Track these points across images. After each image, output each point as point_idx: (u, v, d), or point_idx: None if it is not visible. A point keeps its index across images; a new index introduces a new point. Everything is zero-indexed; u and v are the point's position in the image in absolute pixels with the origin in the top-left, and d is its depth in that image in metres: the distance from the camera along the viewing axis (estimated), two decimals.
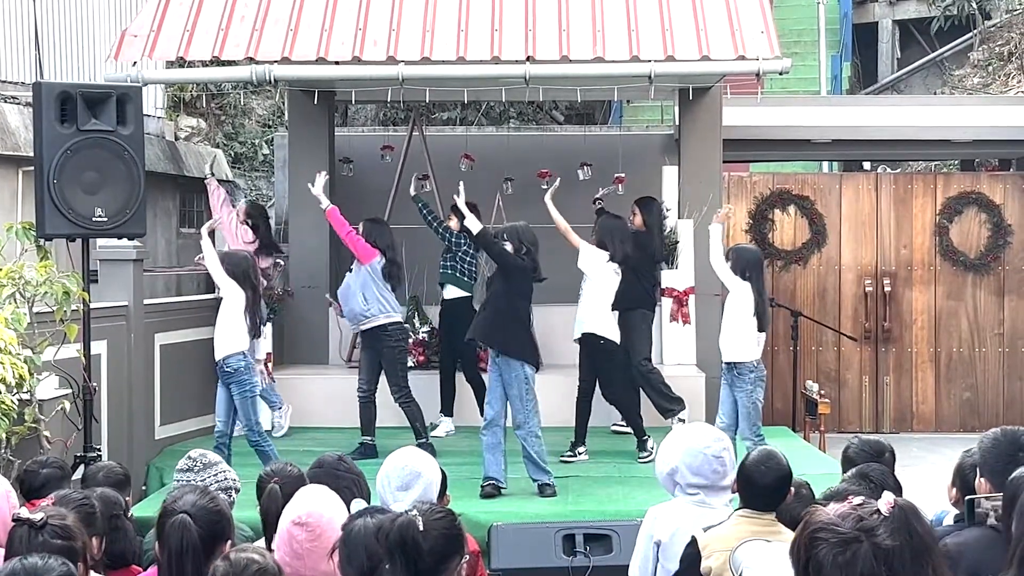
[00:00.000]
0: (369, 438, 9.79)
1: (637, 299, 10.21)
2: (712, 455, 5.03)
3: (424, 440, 9.47)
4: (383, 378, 9.94)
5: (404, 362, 10.02)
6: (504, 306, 8.67)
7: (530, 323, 8.97)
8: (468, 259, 10.72)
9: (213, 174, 11.51)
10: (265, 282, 10.50)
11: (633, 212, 10.55)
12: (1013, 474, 3.62)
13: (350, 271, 10.03)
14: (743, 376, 8.86)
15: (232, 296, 8.88)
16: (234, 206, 11.34)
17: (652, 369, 10.31)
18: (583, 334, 9.63)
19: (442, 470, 5.10)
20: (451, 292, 10.79)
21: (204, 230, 9.33)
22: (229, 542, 4.17)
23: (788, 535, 4.66)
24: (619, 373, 9.85)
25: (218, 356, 8.87)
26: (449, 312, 10.76)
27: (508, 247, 8.73)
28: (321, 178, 9.99)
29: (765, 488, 4.79)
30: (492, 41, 9.88)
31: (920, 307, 13.55)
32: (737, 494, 4.92)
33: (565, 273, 9.63)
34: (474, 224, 8.93)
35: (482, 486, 8.55)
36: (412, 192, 11.02)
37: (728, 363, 8.92)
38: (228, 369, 8.81)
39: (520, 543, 7.71)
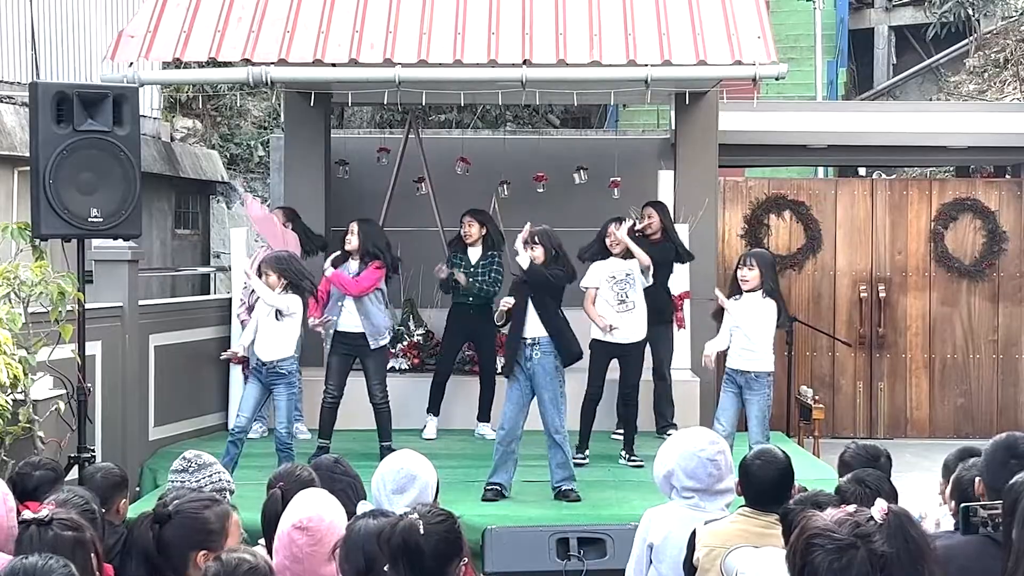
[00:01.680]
0: (327, 441, 9.67)
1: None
2: (707, 458, 5.05)
3: (390, 443, 9.54)
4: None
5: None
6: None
7: None
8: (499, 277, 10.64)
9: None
10: None
11: (648, 215, 10.53)
12: (1012, 480, 3.62)
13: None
14: (761, 381, 8.86)
15: (295, 306, 8.92)
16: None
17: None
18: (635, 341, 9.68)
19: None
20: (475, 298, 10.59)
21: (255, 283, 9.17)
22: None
23: None
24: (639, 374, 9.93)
25: (270, 357, 8.86)
26: (473, 315, 10.55)
27: (540, 256, 8.64)
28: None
29: (764, 483, 4.81)
30: (489, 44, 9.88)
31: (915, 313, 13.56)
32: (739, 497, 4.95)
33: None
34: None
35: (488, 488, 8.59)
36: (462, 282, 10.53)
37: (747, 372, 8.88)
38: (282, 371, 8.89)
39: (514, 546, 7.70)
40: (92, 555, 3.80)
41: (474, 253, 10.61)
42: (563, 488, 8.60)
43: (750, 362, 8.86)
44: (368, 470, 5.11)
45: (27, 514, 3.97)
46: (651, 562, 5.13)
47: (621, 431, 10.13)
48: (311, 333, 10.00)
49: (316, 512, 4.16)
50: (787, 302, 13.12)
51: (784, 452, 5.09)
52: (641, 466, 9.42)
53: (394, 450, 9.42)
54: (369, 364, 9.85)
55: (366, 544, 3.82)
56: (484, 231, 10.60)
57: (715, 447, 5.11)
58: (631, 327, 9.67)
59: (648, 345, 10.11)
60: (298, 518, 4.14)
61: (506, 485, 8.64)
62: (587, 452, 9.72)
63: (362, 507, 4.19)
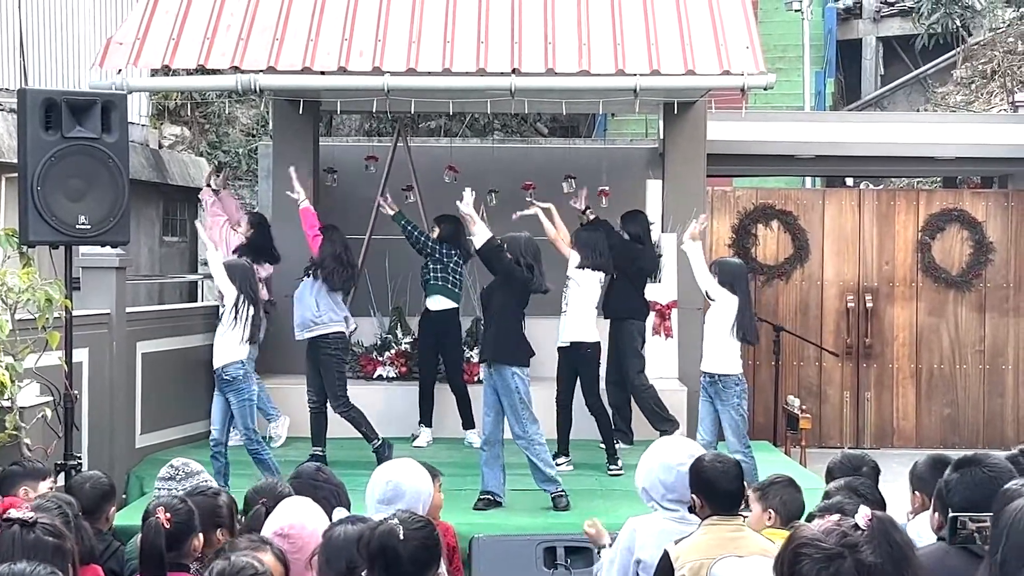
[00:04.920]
0: (319, 449, 9.71)
1: (631, 310, 10.36)
2: (686, 472, 4.96)
3: (379, 442, 9.52)
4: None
5: (342, 371, 9.98)
6: (512, 322, 8.66)
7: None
8: (458, 270, 10.70)
9: (210, 185, 11.54)
10: (265, 292, 10.62)
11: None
12: (1003, 488, 3.63)
13: (307, 276, 9.99)
14: (728, 389, 8.70)
15: (233, 304, 8.87)
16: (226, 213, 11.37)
17: (648, 386, 10.41)
18: (570, 342, 9.64)
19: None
20: (439, 303, 10.68)
21: (203, 233, 9.72)
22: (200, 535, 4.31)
23: (757, 539, 4.69)
24: (599, 382, 9.95)
25: (217, 364, 8.85)
26: (438, 323, 10.70)
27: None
28: (292, 173, 10.08)
29: (730, 485, 4.78)
30: (478, 53, 9.90)
31: (902, 323, 13.59)
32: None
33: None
34: (483, 233, 8.56)
35: (480, 498, 8.59)
36: (390, 212, 10.73)
37: (712, 375, 8.79)
38: (227, 377, 8.82)
39: (501, 555, 7.72)
40: (69, 564, 3.78)
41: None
42: (551, 494, 8.61)
43: (715, 364, 8.81)
44: (354, 478, 5.11)
45: (12, 512, 3.95)
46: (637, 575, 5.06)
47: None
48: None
49: (298, 520, 4.18)
50: (774, 312, 13.24)
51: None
52: (620, 474, 9.47)
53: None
54: (321, 370, 9.92)
55: (348, 550, 3.83)
56: None
57: (693, 460, 5.01)
58: (564, 327, 9.78)
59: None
60: (279, 525, 4.16)
61: (498, 492, 8.63)
62: (562, 459, 9.71)
63: (338, 514, 4.19)
